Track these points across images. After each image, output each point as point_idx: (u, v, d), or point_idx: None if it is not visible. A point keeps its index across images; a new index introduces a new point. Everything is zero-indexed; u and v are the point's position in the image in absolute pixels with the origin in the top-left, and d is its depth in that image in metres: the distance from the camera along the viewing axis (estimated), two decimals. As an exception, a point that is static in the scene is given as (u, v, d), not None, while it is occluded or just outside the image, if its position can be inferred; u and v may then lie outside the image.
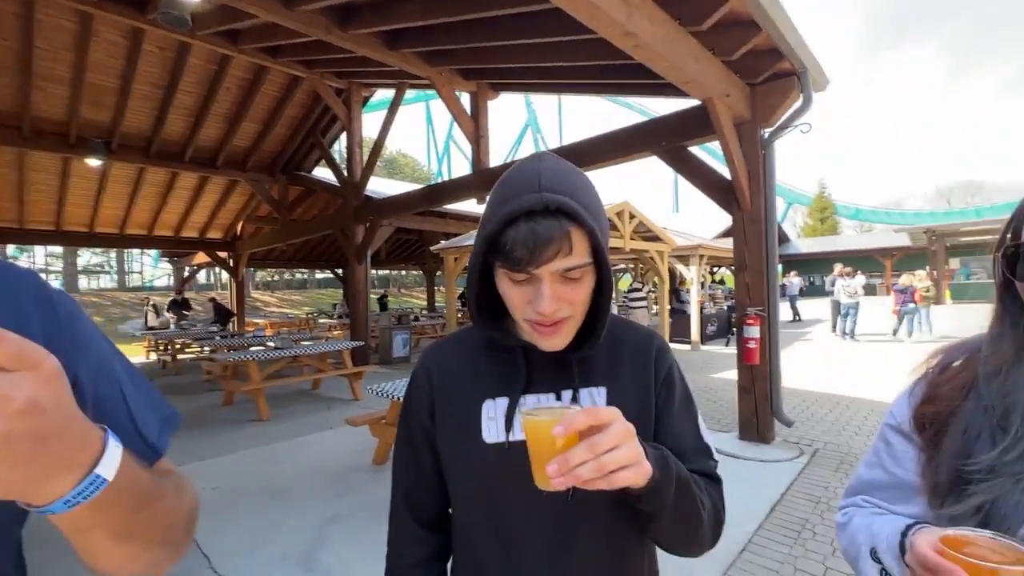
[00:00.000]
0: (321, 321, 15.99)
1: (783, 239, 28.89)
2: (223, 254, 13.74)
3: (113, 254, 34.72)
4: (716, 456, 0.72)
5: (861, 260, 24.61)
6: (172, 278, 28.85)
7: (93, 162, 8.03)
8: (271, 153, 9.99)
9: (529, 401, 0.69)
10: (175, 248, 13.73)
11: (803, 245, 30.29)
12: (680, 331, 10.84)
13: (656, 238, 9.48)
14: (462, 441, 0.70)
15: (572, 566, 0.66)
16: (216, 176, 10.03)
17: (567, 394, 0.68)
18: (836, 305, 11.05)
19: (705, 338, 10.92)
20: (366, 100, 8.81)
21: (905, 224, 28.36)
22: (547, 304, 0.58)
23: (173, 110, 7.86)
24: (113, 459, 0.38)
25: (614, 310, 1.16)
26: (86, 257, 34.64)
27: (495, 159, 6.40)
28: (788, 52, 3.60)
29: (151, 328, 11.73)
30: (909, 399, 0.67)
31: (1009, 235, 0.59)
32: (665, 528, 0.61)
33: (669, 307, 10.88)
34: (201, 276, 33.12)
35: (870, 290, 21.61)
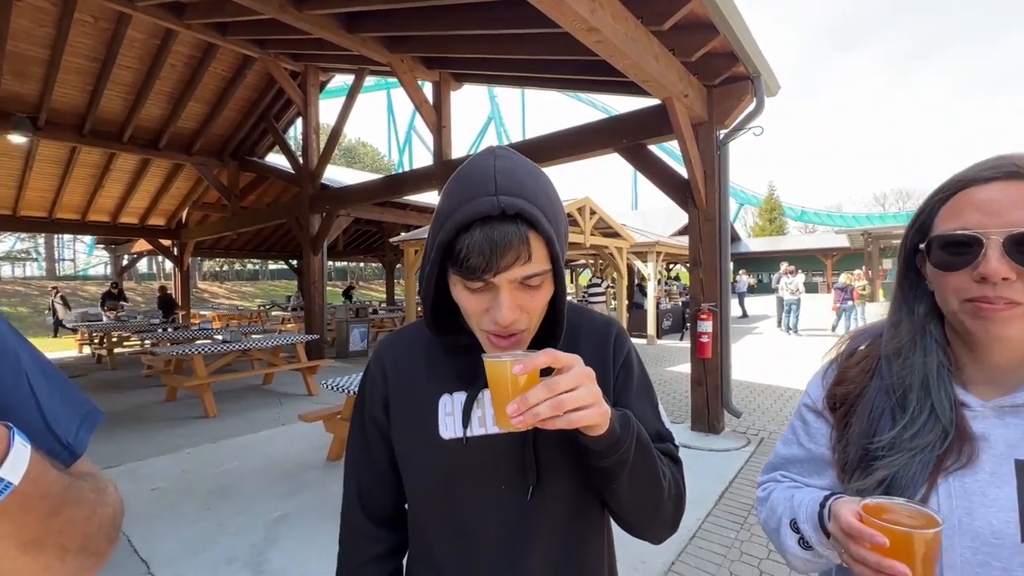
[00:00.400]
0: (274, 314, 15.38)
1: (735, 238, 30.17)
2: (166, 242, 12.96)
3: (42, 239, 32.19)
4: (677, 442, 0.72)
5: (805, 259, 26.11)
6: (109, 266, 27.03)
7: (16, 139, 7.35)
8: (220, 136, 9.46)
9: (486, 395, 0.67)
10: (112, 235, 12.80)
11: (753, 244, 31.77)
12: (637, 326, 11.18)
13: (615, 234, 9.64)
14: (418, 437, 0.68)
15: (529, 562, 0.65)
16: (159, 159, 9.41)
17: None
18: (780, 301, 11.72)
19: (661, 332, 11.30)
20: (323, 85, 8.49)
21: (845, 226, 30.25)
22: (505, 314, 0.56)
23: (110, 86, 7.29)
24: (19, 460, 0.34)
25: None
26: (10, 242, 31.97)
27: (458, 152, 6.32)
28: (743, 56, 3.73)
29: (61, 322, 10.86)
30: (823, 381, 0.73)
31: (916, 227, 0.64)
32: (627, 493, 0.60)
33: (628, 302, 11.18)
34: (142, 265, 31.21)
35: (810, 287, 23.04)
